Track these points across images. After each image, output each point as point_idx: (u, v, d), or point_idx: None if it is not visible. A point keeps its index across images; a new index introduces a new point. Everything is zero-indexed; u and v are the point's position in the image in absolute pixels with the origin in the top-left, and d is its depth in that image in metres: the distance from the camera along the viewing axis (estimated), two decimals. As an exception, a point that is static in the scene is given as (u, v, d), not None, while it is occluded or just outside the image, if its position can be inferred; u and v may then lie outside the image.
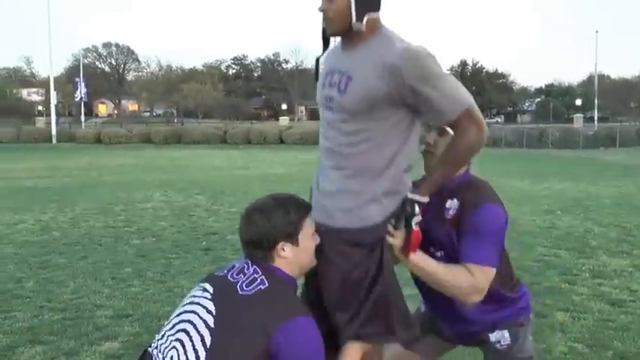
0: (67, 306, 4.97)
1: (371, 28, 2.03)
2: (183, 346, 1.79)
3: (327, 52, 2.17)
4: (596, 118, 57.72)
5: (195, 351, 1.76)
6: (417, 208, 1.99)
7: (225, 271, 1.96)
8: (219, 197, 11.81)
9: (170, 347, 1.82)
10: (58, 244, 7.49)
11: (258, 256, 1.94)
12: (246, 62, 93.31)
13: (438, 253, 2.18)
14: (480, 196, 2.15)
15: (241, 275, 1.90)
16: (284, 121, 52.10)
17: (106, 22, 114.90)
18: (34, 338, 4.22)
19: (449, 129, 2.12)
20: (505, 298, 2.26)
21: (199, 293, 1.92)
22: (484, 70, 79.45)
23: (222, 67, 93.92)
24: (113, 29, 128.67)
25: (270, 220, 1.92)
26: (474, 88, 75.08)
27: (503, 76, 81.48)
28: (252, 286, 1.86)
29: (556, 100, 79.42)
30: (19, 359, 3.88)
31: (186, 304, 1.92)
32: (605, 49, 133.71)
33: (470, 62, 79.20)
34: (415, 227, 1.97)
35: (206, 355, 1.75)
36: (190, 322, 1.83)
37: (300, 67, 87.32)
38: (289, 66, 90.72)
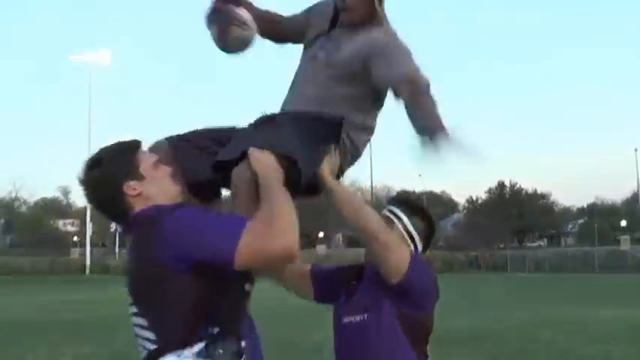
0: None
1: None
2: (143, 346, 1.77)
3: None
4: (644, 238, 56.23)
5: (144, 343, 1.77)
6: None
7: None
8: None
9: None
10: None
11: (117, 217, 1.87)
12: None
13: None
14: None
15: (128, 252, 1.87)
16: (321, 249, 51.83)
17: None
18: None
19: None
20: None
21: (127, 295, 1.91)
22: (523, 190, 78.97)
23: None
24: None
25: (102, 176, 1.83)
26: (514, 211, 74.31)
27: (543, 196, 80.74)
28: (130, 249, 1.82)
29: (600, 221, 77.99)
30: None
31: None
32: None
33: (508, 183, 78.97)
34: None
35: (154, 336, 1.74)
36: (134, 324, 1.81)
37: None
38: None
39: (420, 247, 2.29)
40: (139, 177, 1.84)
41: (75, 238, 66.43)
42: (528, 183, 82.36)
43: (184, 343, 1.69)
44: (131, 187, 1.82)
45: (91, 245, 49.53)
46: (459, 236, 68.49)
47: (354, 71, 2.21)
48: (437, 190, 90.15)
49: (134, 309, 1.81)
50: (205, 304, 1.71)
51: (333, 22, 2.31)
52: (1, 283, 30.98)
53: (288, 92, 2.38)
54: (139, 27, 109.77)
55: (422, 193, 78.91)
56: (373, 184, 65.05)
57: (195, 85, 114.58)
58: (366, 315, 2.18)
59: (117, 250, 54.72)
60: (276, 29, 2.51)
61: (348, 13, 2.24)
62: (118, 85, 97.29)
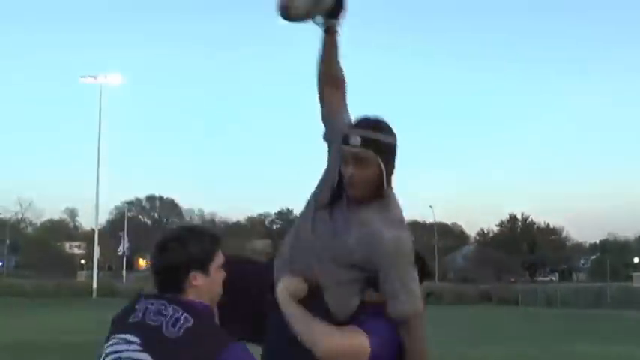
0: None
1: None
2: None
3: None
4: (657, 276, 55.59)
5: None
6: None
7: (141, 315, 1.91)
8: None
9: None
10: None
11: (170, 287, 1.95)
12: (292, 217, 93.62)
13: None
14: None
15: (160, 317, 1.88)
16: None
17: (149, 175, 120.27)
18: None
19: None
20: None
21: (124, 347, 1.86)
22: (535, 225, 78.63)
23: (266, 223, 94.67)
24: (156, 182, 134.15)
25: (185, 249, 1.96)
26: (525, 244, 73.89)
27: (555, 231, 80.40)
28: (178, 325, 1.85)
29: (612, 257, 77.38)
30: None
31: None
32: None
33: (519, 217, 78.68)
34: None
35: None
36: None
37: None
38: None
39: None
40: (207, 272, 1.97)
41: (82, 261, 66.49)
42: (541, 217, 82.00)
43: None
44: (196, 278, 1.95)
45: (98, 268, 49.47)
46: (469, 269, 68.05)
47: (355, 264, 2.16)
48: (448, 221, 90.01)
49: (145, 356, 1.83)
50: None
51: (339, 187, 2.20)
52: (6, 304, 31.00)
53: (293, 241, 2.32)
54: (150, 49, 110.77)
55: (433, 225, 78.74)
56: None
57: (208, 106, 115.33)
58: None
59: (124, 273, 54.56)
60: (330, 99, 2.38)
61: (353, 189, 2.14)
62: (129, 107, 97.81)
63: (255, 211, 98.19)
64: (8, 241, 71.10)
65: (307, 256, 2.22)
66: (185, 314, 1.87)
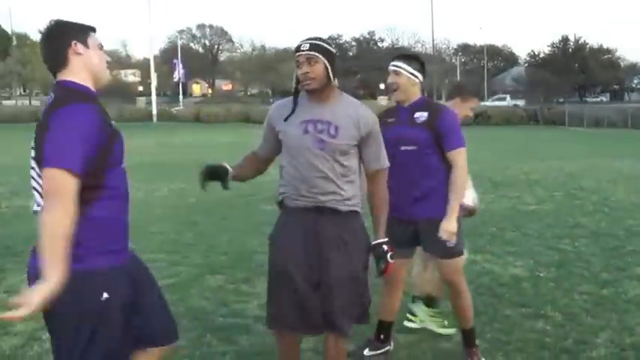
0: (228, 250, 6.16)
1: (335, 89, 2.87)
2: (36, 189, 2.18)
3: (282, 105, 2.95)
4: None
5: (35, 188, 2.17)
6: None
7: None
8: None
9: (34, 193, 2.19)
10: (198, 208, 8.62)
11: (56, 66, 2.18)
12: (341, 42, 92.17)
13: (410, 147, 3.34)
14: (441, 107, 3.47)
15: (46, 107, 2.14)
16: (383, 100, 52.00)
17: (199, 4, 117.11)
18: (212, 270, 5.45)
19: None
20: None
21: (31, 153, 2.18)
22: (587, 45, 75.61)
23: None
24: (206, 10, 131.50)
25: (62, 27, 2.20)
26: (576, 65, 71.91)
27: (608, 51, 77.18)
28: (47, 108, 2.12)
29: (667, 77, 74.59)
30: (209, 283, 5.10)
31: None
32: None
33: (572, 38, 75.67)
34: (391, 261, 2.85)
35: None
36: (32, 167, 2.18)
37: (395, 46, 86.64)
38: (385, 45, 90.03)
39: (421, 77, 3.39)
40: (85, 44, 2.24)
41: (140, 88, 67.96)
42: (594, 38, 78.36)
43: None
44: (76, 45, 2.21)
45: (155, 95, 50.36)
46: (518, 90, 67.49)
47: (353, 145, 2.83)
48: (498, 43, 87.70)
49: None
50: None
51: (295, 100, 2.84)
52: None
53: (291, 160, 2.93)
54: None
55: (482, 47, 76.89)
56: (434, 37, 63.54)
57: None
58: (413, 147, 3.41)
59: (181, 99, 56.09)
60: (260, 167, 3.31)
61: (309, 83, 2.75)
62: None
63: (303, 37, 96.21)
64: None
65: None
66: (52, 95, 2.17)
